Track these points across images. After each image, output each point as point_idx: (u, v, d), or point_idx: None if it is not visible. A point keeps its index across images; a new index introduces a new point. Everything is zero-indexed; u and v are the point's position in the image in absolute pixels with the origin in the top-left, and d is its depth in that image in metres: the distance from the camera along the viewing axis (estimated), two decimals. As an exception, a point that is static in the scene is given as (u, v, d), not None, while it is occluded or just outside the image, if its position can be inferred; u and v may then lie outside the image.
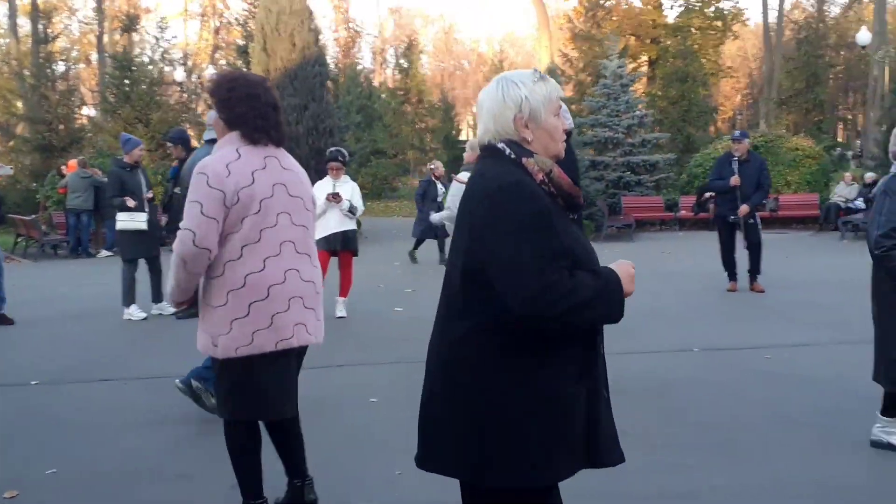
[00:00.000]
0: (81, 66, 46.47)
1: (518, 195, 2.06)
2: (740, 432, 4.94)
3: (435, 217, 8.09)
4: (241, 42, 29.08)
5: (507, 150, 2.19)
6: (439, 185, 14.91)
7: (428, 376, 2.30)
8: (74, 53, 45.17)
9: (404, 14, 64.54)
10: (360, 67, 49.21)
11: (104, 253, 17.50)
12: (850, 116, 48.89)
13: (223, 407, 3.51)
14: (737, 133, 11.11)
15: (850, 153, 32.71)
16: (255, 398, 3.43)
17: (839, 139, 41.92)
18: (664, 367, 6.58)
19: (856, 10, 45.07)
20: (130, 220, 9.25)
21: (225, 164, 3.27)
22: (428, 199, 14.84)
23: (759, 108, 45.97)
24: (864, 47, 24.76)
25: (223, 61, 43.04)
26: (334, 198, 8.76)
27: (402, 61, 34.70)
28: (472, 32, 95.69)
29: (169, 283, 3.34)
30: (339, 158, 9.03)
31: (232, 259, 3.27)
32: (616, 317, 2.12)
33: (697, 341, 7.44)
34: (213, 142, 4.01)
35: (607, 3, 33.09)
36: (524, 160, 2.17)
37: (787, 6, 39.77)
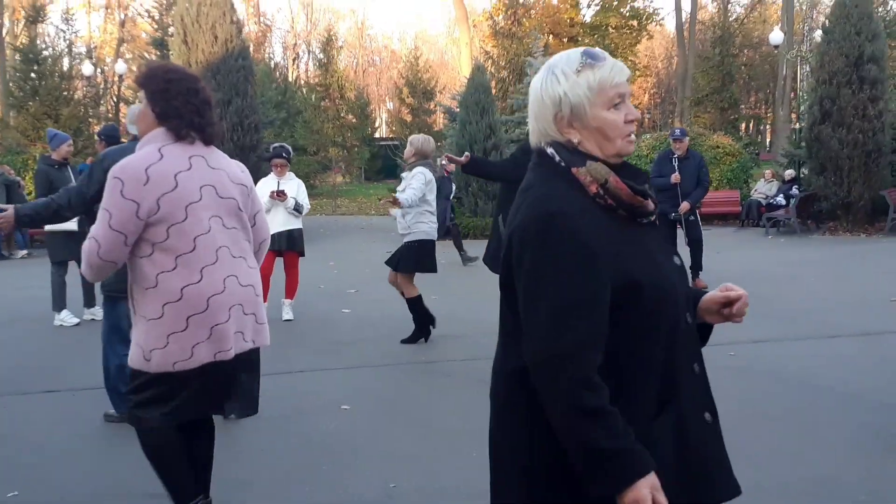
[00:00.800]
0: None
1: (550, 230, 1.77)
2: (724, 431, 4.88)
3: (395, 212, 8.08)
4: (147, 34, 28.14)
5: (557, 157, 1.88)
6: (452, 183, 14.79)
7: (491, 404, 2.03)
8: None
9: (316, 9, 63.68)
10: (273, 62, 48.44)
11: (20, 253, 16.66)
12: (752, 114, 50.52)
13: (142, 416, 3.21)
14: (677, 132, 11.22)
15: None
16: (181, 405, 3.20)
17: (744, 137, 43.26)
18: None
19: (759, 11, 46.60)
20: (61, 221, 8.73)
21: (144, 168, 3.02)
22: (441, 195, 14.53)
23: (665, 107, 47.07)
24: (776, 47, 25.47)
25: (129, 55, 41.75)
26: (279, 195, 8.46)
27: (321, 56, 34.22)
28: (384, 28, 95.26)
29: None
30: (284, 155, 8.73)
31: (165, 270, 3.05)
32: (593, 486, 1.75)
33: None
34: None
35: (526, 1, 33.29)
36: (574, 170, 1.85)
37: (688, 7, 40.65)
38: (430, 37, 69.35)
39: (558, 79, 1.87)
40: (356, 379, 6.39)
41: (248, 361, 3.35)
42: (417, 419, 5.29)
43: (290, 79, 47.27)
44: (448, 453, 4.65)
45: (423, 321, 7.57)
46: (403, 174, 7.58)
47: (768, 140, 44.60)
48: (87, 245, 3.02)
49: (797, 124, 24.03)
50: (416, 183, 7.28)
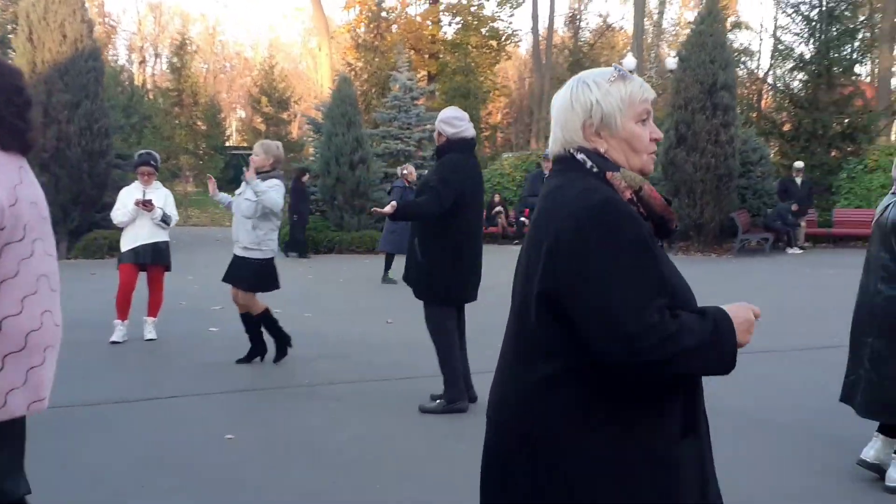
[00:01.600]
0: None
1: (612, 217, 1.72)
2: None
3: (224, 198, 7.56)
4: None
5: (589, 163, 1.85)
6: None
7: (496, 430, 1.90)
8: None
9: (165, 11, 61.41)
10: (119, 64, 46.34)
11: None
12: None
13: None
14: (547, 152, 11.27)
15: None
16: None
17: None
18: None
19: (608, 37, 48.45)
20: None
21: None
22: None
23: (517, 127, 48.15)
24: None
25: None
26: (145, 205, 7.89)
27: (174, 60, 32.89)
28: (236, 35, 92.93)
29: None
30: (151, 163, 8.16)
31: None
32: (725, 369, 1.76)
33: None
34: None
35: (389, 15, 33.24)
36: (609, 175, 1.83)
37: (543, 30, 41.79)
38: (283, 45, 68.15)
39: (590, 87, 1.89)
40: (237, 405, 5.98)
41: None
42: (312, 449, 4.94)
43: (136, 82, 45.36)
44: (352, 487, 4.35)
45: (280, 333, 7.24)
46: (254, 183, 6.89)
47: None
48: None
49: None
50: (278, 193, 6.94)
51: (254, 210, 6.86)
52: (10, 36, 19.30)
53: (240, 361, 7.18)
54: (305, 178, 17.65)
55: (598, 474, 1.73)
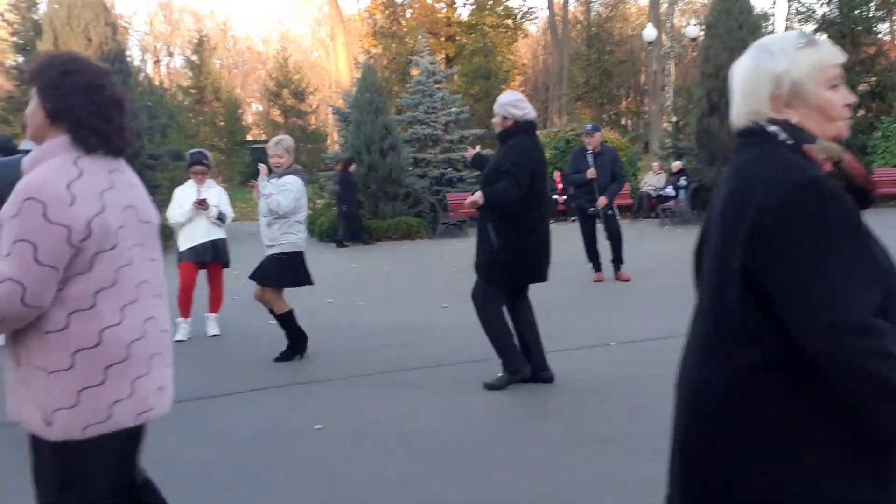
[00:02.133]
0: None
1: (820, 199, 1.63)
2: (658, 439, 4.82)
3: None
4: (7, 38, 26.37)
5: (782, 135, 1.77)
6: None
7: (696, 416, 1.83)
8: None
9: (175, 9, 61.51)
10: (136, 65, 46.50)
11: None
12: (624, 109, 52.13)
13: None
14: (589, 127, 11.29)
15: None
16: (98, 491, 2.53)
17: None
18: (592, 364, 6.45)
19: (620, 9, 48.13)
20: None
21: (65, 185, 2.39)
22: None
23: (534, 104, 48.12)
24: (650, 43, 26.30)
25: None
26: (201, 204, 7.97)
27: (194, 58, 32.99)
28: (246, 30, 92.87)
29: None
30: (204, 162, 8.25)
31: (81, 308, 2.41)
32: None
33: (608, 334, 7.37)
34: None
35: (402, 0, 33.18)
36: (805, 147, 1.75)
37: (558, 6, 41.55)
38: (293, 37, 68.12)
39: (775, 56, 1.81)
40: (317, 395, 6.05)
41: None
42: (401, 436, 5.00)
43: (155, 83, 45.58)
44: (446, 474, 4.39)
45: (297, 337, 7.16)
46: (263, 184, 6.92)
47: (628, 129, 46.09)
48: (1, 292, 2.32)
49: (674, 117, 24.84)
50: (292, 193, 6.84)
51: (267, 208, 6.90)
52: (38, 40, 19.34)
53: (278, 360, 7.08)
54: (352, 167, 17.80)
55: (812, 462, 1.67)
